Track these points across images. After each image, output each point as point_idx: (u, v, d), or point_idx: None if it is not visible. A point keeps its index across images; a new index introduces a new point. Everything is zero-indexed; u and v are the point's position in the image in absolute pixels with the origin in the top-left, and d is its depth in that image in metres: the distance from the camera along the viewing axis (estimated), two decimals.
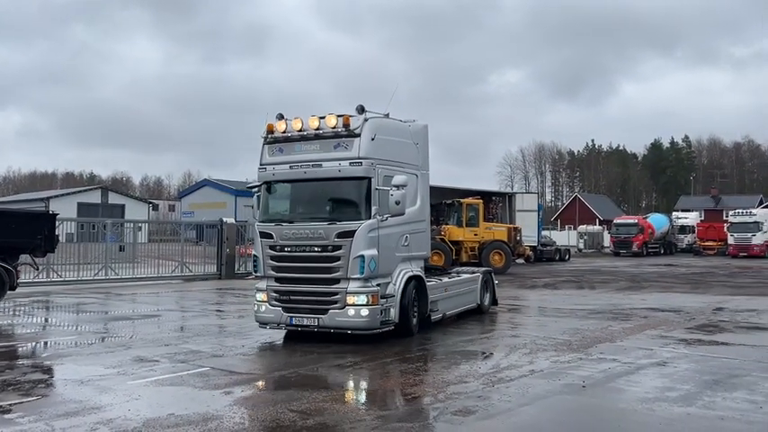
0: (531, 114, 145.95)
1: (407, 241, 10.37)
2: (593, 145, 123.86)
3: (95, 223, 27.46)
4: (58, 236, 17.61)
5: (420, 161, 11.08)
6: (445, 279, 12.52)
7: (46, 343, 10.54)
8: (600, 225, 68.24)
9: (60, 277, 21.09)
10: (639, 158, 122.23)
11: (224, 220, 27.03)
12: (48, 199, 57.27)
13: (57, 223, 17.34)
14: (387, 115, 10.49)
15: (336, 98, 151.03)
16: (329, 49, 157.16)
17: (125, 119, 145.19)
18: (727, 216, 58.70)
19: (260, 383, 7.31)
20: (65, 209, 33.71)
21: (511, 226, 30.70)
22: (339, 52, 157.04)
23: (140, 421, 5.78)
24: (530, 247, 33.72)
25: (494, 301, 14.25)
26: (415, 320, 10.46)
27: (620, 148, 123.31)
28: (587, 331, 11.16)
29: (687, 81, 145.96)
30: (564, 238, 56.72)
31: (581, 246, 57.89)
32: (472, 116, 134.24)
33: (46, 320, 13.91)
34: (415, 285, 10.45)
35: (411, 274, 10.34)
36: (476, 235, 27.96)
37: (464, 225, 27.69)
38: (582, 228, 62.67)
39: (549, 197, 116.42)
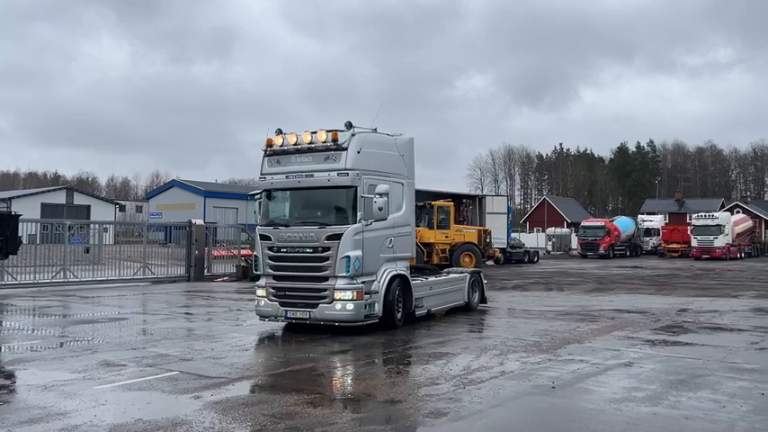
0: (497, 118, 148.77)
1: (392, 243, 11.38)
2: (561, 149, 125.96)
3: (58, 224, 26.81)
4: (20, 237, 17.18)
5: (406, 171, 12.11)
6: (431, 278, 13.42)
7: (7, 348, 10.26)
8: (568, 228, 69.24)
9: (21, 280, 20.56)
10: (606, 162, 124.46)
11: (193, 221, 26.68)
12: (10, 199, 55.74)
13: (19, 224, 16.90)
14: (374, 130, 11.59)
15: (304, 101, 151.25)
16: (296, 53, 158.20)
17: (90, 119, 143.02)
18: (690, 219, 60.21)
19: (230, 387, 7.22)
20: (28, 209, 32.85)
21: (481, 228, 30.96)
22: (306, 56, 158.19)
23: (107, 427, 5.67)
24: (499, 249, 34.05)
25: (483, 300, 15.06)
26: (399, 315, 11.51)
27: (588, 151, 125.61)
28: (556, 332, 11.30)
29: (645, 88, 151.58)
30: (533, 240, 57.35)
31: (549, 248, 58.68)
32: (439, 119, 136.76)
33: (7, 324, 13.53)
34: (399, 283, 11.48)
35: (395, 273, 11.37)
36: (447, 237, 28.11)
37: (435, 227, 27.81)
38: (550, 230, 63.52)
39: (518, 200, 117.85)
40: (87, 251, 25.19)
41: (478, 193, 66.13)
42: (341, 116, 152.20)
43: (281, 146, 11.33)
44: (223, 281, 25.22)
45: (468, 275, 14.54)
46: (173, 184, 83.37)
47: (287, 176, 11.21)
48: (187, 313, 15.03)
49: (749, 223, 55.34)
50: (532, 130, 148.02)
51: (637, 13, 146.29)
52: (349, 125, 10.92)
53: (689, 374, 7.84)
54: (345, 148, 10.74)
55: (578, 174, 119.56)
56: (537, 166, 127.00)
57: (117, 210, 66.81)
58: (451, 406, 6.41)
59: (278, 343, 10.75)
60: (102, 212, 55.59)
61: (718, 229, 47.77)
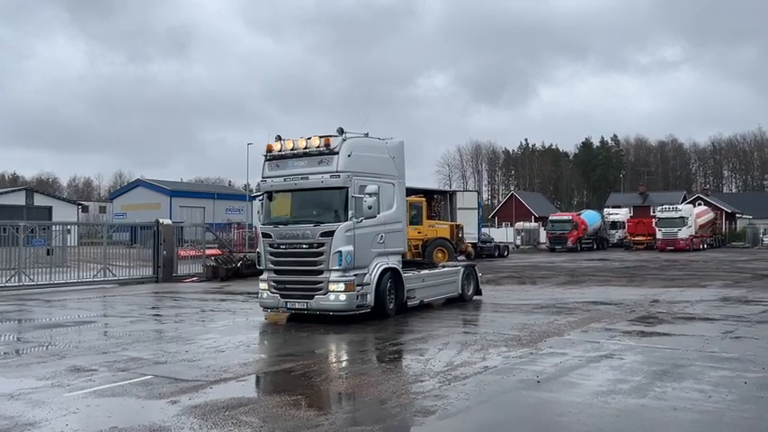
0: (458, 116, 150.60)
1: (383, 239, 12.17)
2: (527, 144, 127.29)
3: (16, 226, 25.87)
4: None
5: (396, 171, 12.94)
6: (424, 271, 14.26)
7: None
8: (536, 222, 70.01)
9: None
10: (571, 157, 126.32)
11: (160, 221, 26.09)
12: None
13: None
14: (366, 134, 12.49)
15: (266, 100, 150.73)
16: (255, 53, 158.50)
17: (49, 119, 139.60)
18: (654, 212, 61.43)
19: (208, 390, 6.96)
20: None
21: (453, 224, 30.98)
22: (265, 56, 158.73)
23: None
24: (471, 244, 34.13)
25: (477, 292, 15.74)
26: (391, 305, 12.34)
27: (553, 147, 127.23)
28: (535, 326, 11.28)
29: (600, 86, 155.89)
30: (502, 235, 57.81)
31: (518, 242, 59.24)
32: (403, 118, 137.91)
33: None
34: (391, 276, 12.30)
35: (386, 266, 12.16)
36: (419, 233, 28.00)
37: (408, 223, 27.65)
38: (519, 225, 64.11)
39: (485, 195, 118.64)
40: (49, 253, 24.40)
41: (449, 188, 66.38)
42: (305, 116, 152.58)
43: (280, 151, 12.16)
44: (192, 281, 24.72)
45: (462, 269, 15.29)
46: (137, 183, 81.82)
47: (285, 179, 12.06)
48: (157, 315, 14.63)
49: (711, 215, 56.70)
50: (493, 127, 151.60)
51: (589, 14, 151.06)
52: (341, 131, 11.78)
53: (670, 365, 7.86)
54: (337, 153, 11.55)
55: (544, 169, 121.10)
56: (504, 162, 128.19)
57: (80, 211, 65.01)
58: (439, 403, 6.27)
59: (254, 343, 10.50)
60: (64, 214, 53.93)
61: (682, 221, 48.78)
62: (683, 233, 48.42)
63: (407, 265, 14.41)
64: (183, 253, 31.94)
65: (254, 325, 12.41)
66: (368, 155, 12.24)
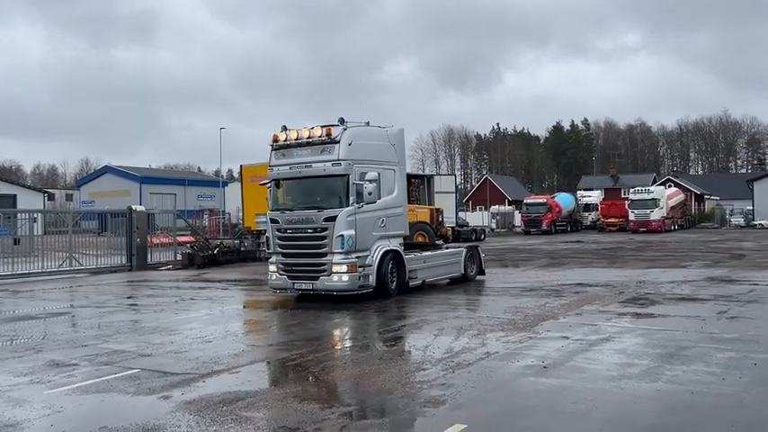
0: (426, 101, 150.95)
1: (384, 223, 12.75)
2: (499, 128, 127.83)
3: None
4: None
5: (397, 158, 13.46)
6: (426, 253, 14.84)
7: None
8: (509, 205, 70.33)
9: None
10: (542, 141, 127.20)
11: (133, 207, 25.33)
12: None
13: None
14: (368, 123, 13.15)
15: (234, 87, 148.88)
16: (221, 40, 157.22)
17: (8, 105, 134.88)
18: (625, 194, 62.16)
19: (200, 384, 6.58)
20: None
21: (433, 207, 30.71)
22: (231, 42, 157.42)
23: None
24: (449, 228, 34.02)
25: (480, 272, 16.34)
26: (393, 285, 12.92)
27: (525, 131, 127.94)
28: (527, 309, 11.10)
29: (562, 71, 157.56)
30: (477, 218, 57.92)
31: (493, 225, 59.45)
32: (370, 103, 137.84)
33: None
34: (393, 258, 12.89)
35: (387, 248, 12.75)
36: None
37: None
38: (494, 208, 64.37)
39: (459, 179, 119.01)
40: (17, 242, 23.50)
41: (427, 172, 66.15)
42: (273, 102, 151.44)
43: (285, 141, 12.73)
44: (167, 269, 24.08)
45: (465, 250, 15.88)
46: (105, 170, 79.92)
47: (290, 167, 12.60)
48: (135, 305, 14.08)
49: (681, 197, 57.53)
50: (460, 112, 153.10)
51: (550, 1, 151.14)
52: (342, 121, 12.34)
53: (674, 347, 7.71)
54: (338, 141, 12.08)
55: (516, 153, 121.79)
56: (476, 146, 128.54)
57: (46, 198, 63.25)
58: (447, 393, 5.99)
59: (242, 332, 10.10)
60: (29, 202, 52.18)
61: (654, 202, 49.35)
62: (656, 215, 49.01)
63: (413, 247, 15.36)
64: (155, 240, 31.23)
65: (239, 313, 12.04)
66: (368, 143, 12.78)
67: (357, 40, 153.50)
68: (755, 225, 55.24)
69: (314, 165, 12.31)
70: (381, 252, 12.57)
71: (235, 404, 5.78)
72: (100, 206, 60.99)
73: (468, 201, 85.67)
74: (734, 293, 12.50)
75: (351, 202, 12.04)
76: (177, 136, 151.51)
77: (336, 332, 9.76)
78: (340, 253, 11.95)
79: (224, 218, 50.09)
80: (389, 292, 12.79)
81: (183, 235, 30.94)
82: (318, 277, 12.23)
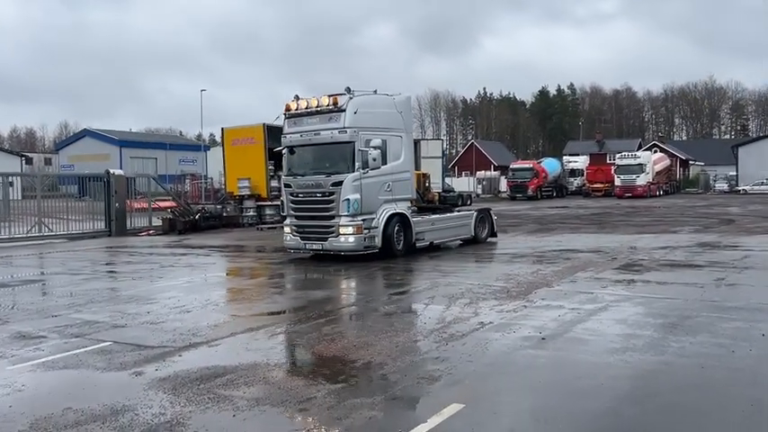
0: (406, 65, 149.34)
1: (390, 187, 13.41)
2: (485, 93, 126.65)
3: None
4: None
5: (404, 125, 14.08)
6: (434, 216, 15.58)
7: None
8: (495, 171, 69.93)
9: None
10: (528, 106, 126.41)
11: (111, 171, 24.56)
12: None
13: None
14: (375, 91, 13.74)
15: (211, 50, 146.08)
16: (196, 2, 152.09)
17: None
18: (611, 159, 61.99)
19: (176, 358, 6.13)
20: None
21: (420, 173, 30.23)
22: (208, 4, 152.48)
23: (27, 422, 4.52)
24: (436, 193, 33.61)
25: (492, 234, 17.02)
26: (400, 246, 13.60)
27: (510, 95, 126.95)
28: (520, 276, 10.74)
29: (541, 36, 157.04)
30: (463, 184, 57.55)
31: (479, 191, 59.11)
32: (350, 67, 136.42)
33: None
34: (399, 220, 13.54)
35: (393, 212, 13.41)
36: None
37: None
38: (480, 173, 63.99)
39: (444, 145, 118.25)
40: None
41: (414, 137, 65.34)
42: (251, 65, 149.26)
43: (296, 110, 13.42)
44: (148, 234, 23.47)
45: (476, 213, 16.57)
46: (84, 133, 78.07)
47: (301, 135, 13.34)
48: (112, 272, 13.56)
49: (667, 162, 57.46)
50: (441, 77, 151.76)
51: None
52: (348, 90, 12.90)
53: (677, 316, 7.38)
54: (344, 110, 12.72)
55: (502, 118, 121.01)
56: (462, 111, 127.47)
57: (23, 162, 61.80)
58: (441, 367, 5.60)
59: (223, 301, 9.63)
60: (6, 165, 50.85)
61: (640, 168, 49.18)
62: (641, 180, 48.87)
63: (426, 210, 16.38)
64: (136, 205, 30.52)
65: (220, 281, 11.56)
66: (374, 111, 13.36)
67: (335, 3, 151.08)
68: (739, 191, 55.43)
69: (322, 132, 12.98)
70: (387, 215, 13.22)
71: (213, 381, 5.34)
72: (80, 170, 59.64)
73: (454, 166, 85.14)
74: (729, 260, 12.23)
75: (357, 167, 12.73)
76: (156, 99, 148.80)
77: (323, 301, 9.31)
78: (346, 216, 12.72)
79: (206, 183, 49.21)
80: (395, 252, 13.40)
81: (164, 200, 30.26)
82: (327, 238, 12.99)
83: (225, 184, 29.23)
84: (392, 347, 6.32)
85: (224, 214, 26.05)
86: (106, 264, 15.03)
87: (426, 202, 30.80)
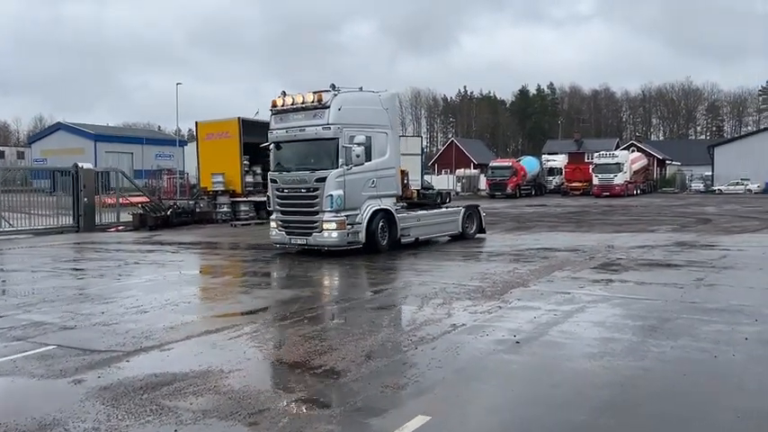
0: (385, 63, 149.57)
1: (374, 184, 13.43)
2: (466, 92, 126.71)
3: None
4: None
5: (389, 122, 14.07)
6: (420, 212, 15.57)
7: None
8: (475, 169, 69.83)
9: None
10: (508, 105, 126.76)
11: (79, 165, 23.79)
12: None
13: None
14: (360, 88, 13.80)
15: (191, 44, 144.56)
16: None
17: None
18: (589, 158, 62.17)
19: (123, 364, 5.66)
20: None
21: (399, 169, 29.82)
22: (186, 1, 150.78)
23: None
24: (415, 190, 33.20)
25: (481, 230, 17.10)
26: (384, 242, 13.63)
27: (491, 94, 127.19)
28: (495, 275, 10.41)
29: (519, 36, 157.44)
30: (443, 182, 57.27)
31: (459, 189, 58.94)
32: (330, 65, 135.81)
33: None
34: (384, 216, 13.59)
35: (377, 208, 13.44)
36: None
37: None
38: (460, 171, 63.84)
39: (425, 143, 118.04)
40: None
41: None
42: (231, 61, 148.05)
43: (282, 106, 13.45)
44: (117, 230, 22.79)
45: (463, 209, 16.69)
46: (58, 127, 76.46)
47: (287, 131, 13.40)
48: (74, 269, 12.96)
49: (644, 161, 57.77)
50: (420, 76, 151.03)
51: None
52: (333, 87, 13.01)
53: (656, 318, 7.09)
54: (328, 107, 12.79)
55: (482, 116, 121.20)
56: (443, 110, 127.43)
57: None
58: (409, 374, 5.23)
59: (185, 301, 9.12)
60: None
61: (618, 167, 49.34)
62: (619, 179, 49.04)
63: (413, 206, 16.27)
64: (108, 201, 29.81)
65: (186, 279, 11.04)
66: (359, 107, 13.40)
67: (316, 1, 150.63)
68: (714, 191, 55.94)
69: (307, 129, 13.03)
70: (371, 211, 13.26)
71: (159, 390, 4.90)
72: (53, 164, 58.35)
73: (434, 164, 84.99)
74: (707, 259, 12.02)
75: (340, 163, 12.75)
76: (135, 94, 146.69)
77: (290, 301, 8.88)
78: (330, 211, 12.76)
79: (182, 178, 48.36)
80: (380, 248, 13.41)
81: (137, 195, 29.60)
82: (311, 233, 13.08)
83: (198, 179, 28.56)
84: (358, 352, 5.92)
85: (197, 210, 25.40)
86: (68, 261, 14.41)
87: (404, 199, 30.53)
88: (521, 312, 7.59)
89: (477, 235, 16.79)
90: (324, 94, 12.88)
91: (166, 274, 11.65)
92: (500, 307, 7.93)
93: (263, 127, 28.91)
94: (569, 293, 8.75)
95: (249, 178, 26.22)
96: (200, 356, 5.86)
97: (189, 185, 42.73)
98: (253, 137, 26.70)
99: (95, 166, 49.62)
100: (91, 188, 23.35)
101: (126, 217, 23.97)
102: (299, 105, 13.18)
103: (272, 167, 13.99)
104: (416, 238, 14.72)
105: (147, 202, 24.84)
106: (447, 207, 17.30)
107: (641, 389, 4.81)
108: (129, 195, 27.01)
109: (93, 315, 7.80)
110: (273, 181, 13.75)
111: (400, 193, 14.89)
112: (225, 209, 25.31)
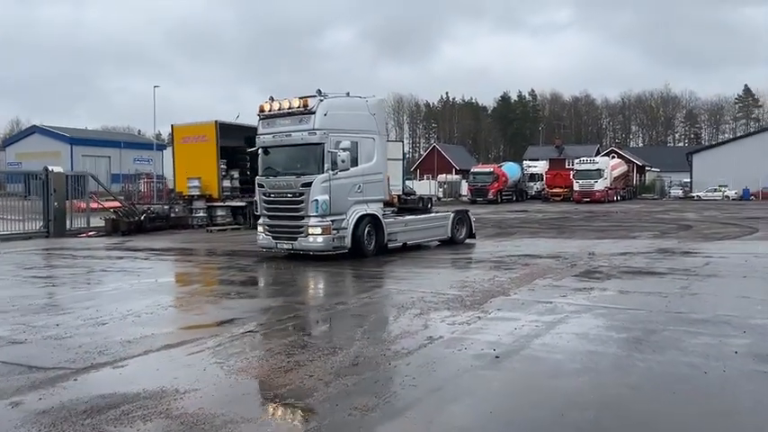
0: (367, 69, 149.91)
1: (361, 189, 13.51)
2: (448, 98, 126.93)
3: None
4: None
5: (377, 127, 14.18)
6: (408, 217, 15.78)
7: None
8: (457, 174, 69.77)
9: None
10: (490, 111, 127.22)
11: (49, 168, 23.09)
12: None
13: None
14: (347, 94, 13.89)
15: (170, 49, 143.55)
16: (157, 1, 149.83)
17: None
18: (570, 164, 62.40)
19: (68, 384, 5.20)
20: None
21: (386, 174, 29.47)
22: (166, 3, 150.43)
23: None
24: (396, 195, 32.88)
25: (471, 235, 17.14)
26: (371, 247, 13.70)
27: (473, 101, 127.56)
28: (475, 284, 10.06)
29: (498, 44, 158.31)
30: (424, 187, 57.09)
31: (440, 194, 58.78)
32: (311, 69, 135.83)
33: None
34: (370, 221, 13.65)
35: (364, 213, 13.50)
36: None
37: None
38: (441, 177, 63.69)
39: (407, 148, 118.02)
40: None
41: None
42: (211, 65, 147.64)
43: (269, 111, 13.53)
44: (89, 236, 22.14)
45: (453, 214, 16.66)
46: (33, 130, 75.10)
47: (274, 136, 13.47)
48: (36, 277, 12.36)
49: (624, 168, 58.12)
50: (401, 82, 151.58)
51: None
52: (319, 92, 13.05)
53: (641, 330, 6.77)
54: (314, 112, 12.84)
55: (464, 122, 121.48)
56: (425, 115, 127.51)
57: None
58: (380, 393, 4.84)
59: (148, 312, 8.63)
60: None
61: (599, 173, 49.55)
62: (599, 185, 49.24)
63: (402, 211, 16.80)
64: (82, 205, 29.13)
65: (153, 288, 10.53)
66: (346, 113, 13.48)
67: (294, 6, 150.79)
68: (693, 197, 56.37)
69: (293, 134, 13.10)
70: (357, 216, 13.32)
71: (104, 414, 4.45)
72: (28, 168, 57.12)
73: (416, 169, 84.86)
74: (690, 267, 11.80)
75: (326, 168, 12.85)
76: (114, 98, 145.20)
77: (260, 311, 8.45)
78: (315, 216, 12.86)
79: (159, 182, 47.56)
80: (366, 253, 13.46)
81: (112, 200, 28.94)
82: (297, 238, 13.15)
83: (174, 183, 27.95)
84: (327, 369, 5.52)
85: (172, 215, 24.79)
86: (31, 268, 13.78)
87: (386, 204, 30.16)
88: (501, 323, 7.25)
89: (467, 240, 16.85)
90: (310, 100, 12.94)
91: (133, 282, 11.13)
92: (479, 317, 7.58)
93: (241, 130, 28.62)
94: (551, 303, 8.42)
95: (226, 183, 25.69)
96: (156, 374, 5.41)
97: (167, 190, 42.00)
98: (230, 140, 26.23)
99: (72, 169, 48.78)
100: (61, 192, 22.68)
101: (98, 222, 23.30)
102: (286, 111, 13.27)
103: (260, 172, 14.06)
104: (404, 243, 14.83)
105: (119, 207, 24.18)
106: (437, 212, 17.38)
107: (629, 410, 4.47)
108: (106, 200, 26.36)
109: (46, 327, 7.30)
110: (261, 186, 13.82)
111: (388, 198, 14.98)
112: (201, 214, 24.73)
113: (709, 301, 8.44)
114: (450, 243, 16.14)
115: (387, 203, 32.10)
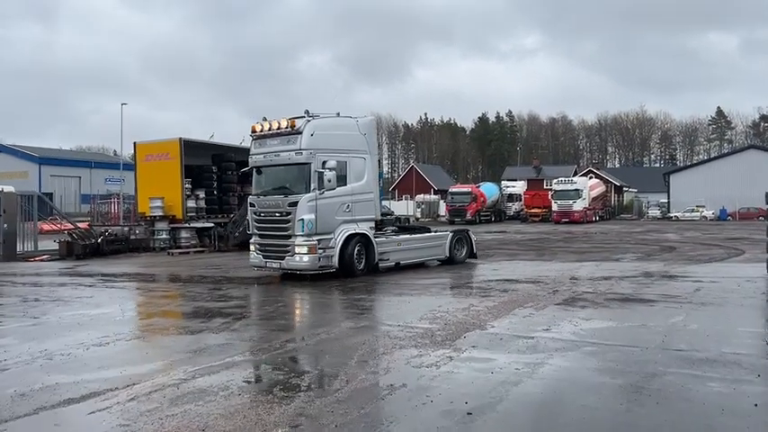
0: (341, 93, 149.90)
1: (349, 208, 13.55)
2: (427, 118, 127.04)
3: None
4: None
5: (367, 147, 14.27)
6: (402, 236, 15.85)
7: None
8: (435, 194, 69.08)
9: None
10: (468, 132, 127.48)
11: (1, 188, 21.72)
12: None
13: None
14: (338, 114, 14.05)
15: (143, 72, 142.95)
16: (127, 24, 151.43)
17: None
18: (548, 185, 62.10)
19: None
20: None
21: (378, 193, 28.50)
22: (138, 28, 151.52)
23: None
24: None
25: (472, 255, 17.00)
26: (361, 266, 13.73)
27: (451, 121, 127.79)
28: (448, 314, 9.01)
29: (470, 68, 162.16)
30: (402, 207, 56.28)
31: (418, 214, 57.95)
32: (286, 92, 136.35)
33: None
34: (360, 241, 13.69)
35: (353, 232, 13.52)
36: None
37: None
38: (419, 197, 62.95)
39: (386, 168, 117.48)
40: None
41: None
42: (186, 88, 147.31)
43: (261, 131, 13.74)
44: (41, 260, 20.74)
45: (451, 234, 16.59)
46: (0, 149, 72.84)
47: (264, 156, 13.69)
48: None
49: (602, 188, 57.89)
50: (379, 103, 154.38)
51: (453, 5, 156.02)
52: (306, 113, 13.21)
53: (639, 374, 5.76)
54: (301, 132, 13.01)
55: (442, 143, 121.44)
56: (404, 136, 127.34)
57: None
58: None
59: (63, 353, 7.40)
60: None
61: (577, 193, 49.15)
62: (578, 205, 48.81)
63: (403, 230, 17.17)
64: (46, 227, 27.88)
65: (83, 321, 9.27)
66: (334, 133, 13.61)
67: (269, 31, 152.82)
68: (671, 217, 56.20)
69: (281, 154, 13.26)
70: (346, 235, 13.34)
71: None
72: None
73: (394, 189, 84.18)
74: (681, 293, 10.87)
75: (313, 188, 12.91)
76: (89, 119, 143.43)
77: (197, 352, 7.27)
78: (301, 235, 12.90)
79: (128, 203, 45.99)
80: (355, 272, 13.48)
81: (79, 220, 27.64)
82: (284, 257, 13.21)
83: (136, 204, 26.63)
84: (262, 426, 4.40)
85: (131, 237, 23.48)
86: None
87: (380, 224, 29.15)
88: (475, 365, 6.20)
89: (468, 260, 16.69)
90: (297, 120, 13.12)
91: (64, 315, 9.86)
92: (450, 358, 6.52)
93: (207, 148, 27.37)
94: (532, 338, 7.39)
95: (191, 203, 24.43)
96: (95, 417, 4.25)
97: (135, 211, 40.57)
98: (196, 159, 25.03)
99: (39, 190, 46.98)
100: (13, 213, 21.31)
101: (53, 245, 21.89)
102: (275, 131, 13.42)
103: (252, 191, 14.32)
104: (397, 263, 14.79)
105: (73, 229, 22.80)
106: (436, 231, 17.26)
107: None
108: (68, 221, 24.98)
109: None
110: (252, 205, 14.04)
111: (378, 216, 14.86)
112: (164, 236, 23.46)
113: (711, 336, 7.47)
114: (448, 263, 16.07)
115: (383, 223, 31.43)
